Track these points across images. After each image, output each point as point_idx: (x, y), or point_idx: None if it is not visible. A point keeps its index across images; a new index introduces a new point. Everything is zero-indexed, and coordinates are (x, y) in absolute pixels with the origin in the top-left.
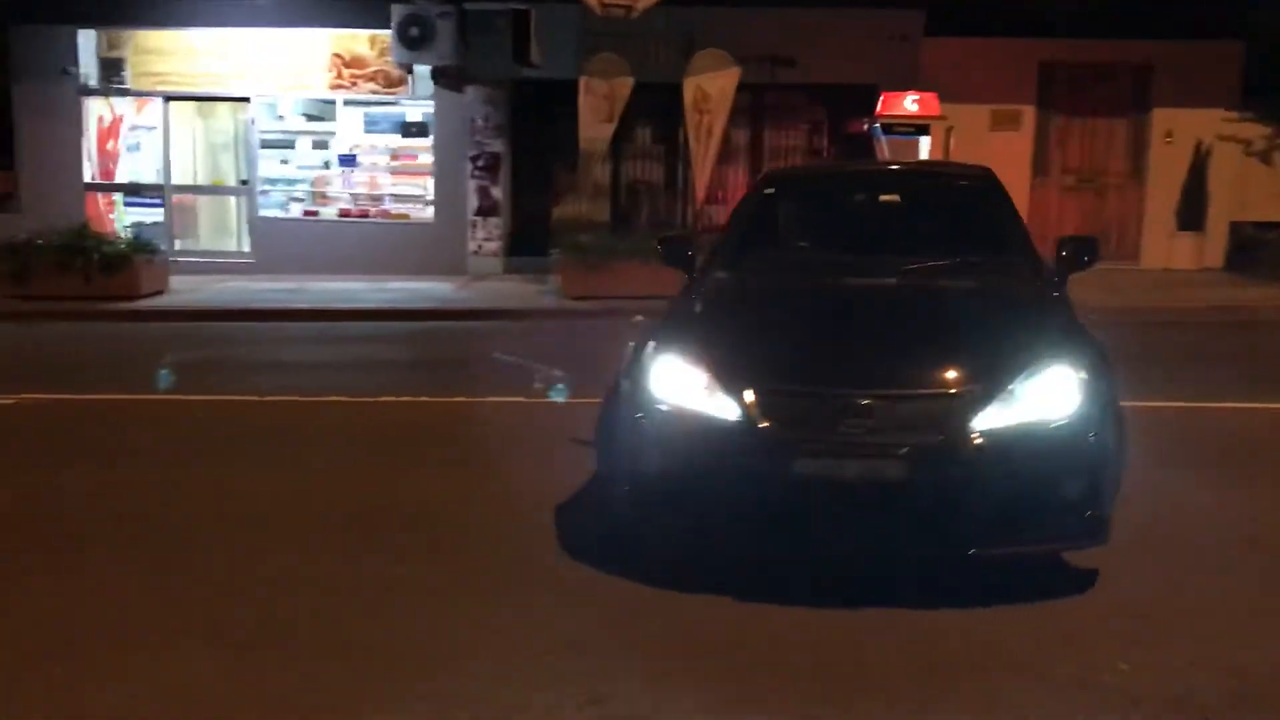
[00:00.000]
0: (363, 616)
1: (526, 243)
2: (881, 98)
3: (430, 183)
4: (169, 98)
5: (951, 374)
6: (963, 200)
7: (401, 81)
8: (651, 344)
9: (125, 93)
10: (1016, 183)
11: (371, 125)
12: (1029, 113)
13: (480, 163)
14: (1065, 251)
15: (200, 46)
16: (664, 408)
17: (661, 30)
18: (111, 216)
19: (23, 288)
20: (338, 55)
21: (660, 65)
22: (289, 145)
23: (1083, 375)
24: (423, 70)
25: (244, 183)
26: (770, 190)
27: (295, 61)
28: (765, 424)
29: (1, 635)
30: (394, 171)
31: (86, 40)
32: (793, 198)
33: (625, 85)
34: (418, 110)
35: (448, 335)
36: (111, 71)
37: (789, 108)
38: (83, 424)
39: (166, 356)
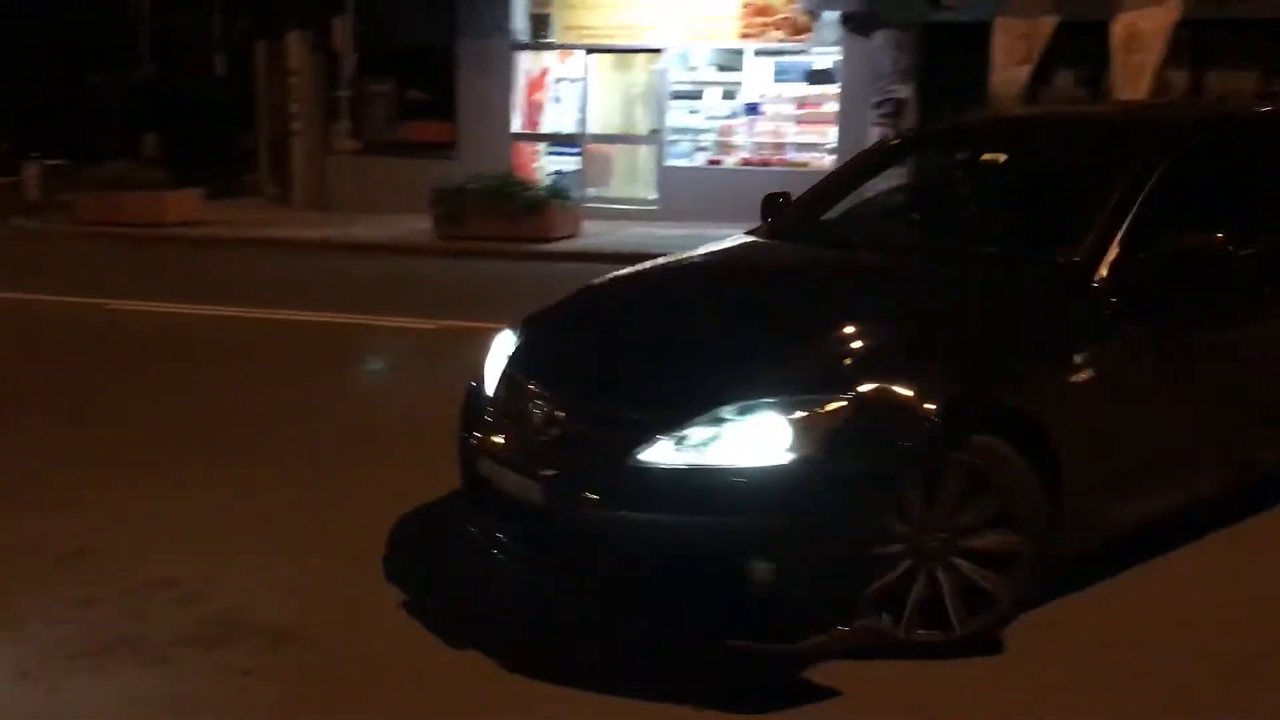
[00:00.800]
0: None
1: None
2: None
3: (833, 130)
4: (591, 50)
5: (648, 393)
6: (1113, 163)
7: (807, 29)
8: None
9: (551, 47)
10: None
11: (780, 74)
12: None
13: (883, 109)
14: (1155, 255)
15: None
16: (474, 383)
17: None
18: (535, 164)
19: (457, 227)
20: (748, 4)
21: (1085, 2)
22: (697, 96)
23: (818, 419)
24: (829, 17)
25: (654, 132)
26: (897, 142)
27: (707, 11)
28: (488, 413)
29: None
30: (799, 120)
31: None
32: (912, 154)
33: (1046, 24)
34: (825, 58)
35: None
36: (539, 26)
37: (1238, 46)
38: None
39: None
